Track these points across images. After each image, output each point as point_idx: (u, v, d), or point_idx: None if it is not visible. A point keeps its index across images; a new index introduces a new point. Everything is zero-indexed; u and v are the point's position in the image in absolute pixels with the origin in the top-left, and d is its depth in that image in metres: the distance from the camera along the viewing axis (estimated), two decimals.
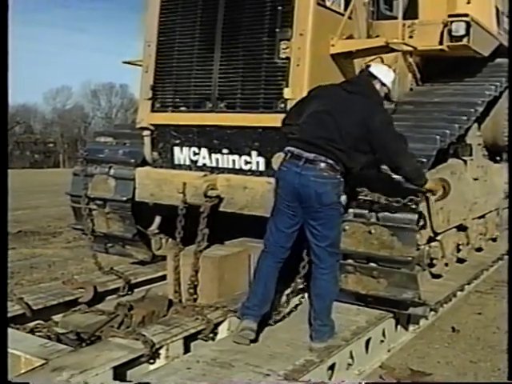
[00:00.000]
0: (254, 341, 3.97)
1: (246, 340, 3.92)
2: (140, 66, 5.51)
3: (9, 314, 4.42)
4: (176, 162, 5.22)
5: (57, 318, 4.68)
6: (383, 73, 4.20)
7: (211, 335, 4.24)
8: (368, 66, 4.30)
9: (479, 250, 6.36)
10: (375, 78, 4.15)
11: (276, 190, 4.02)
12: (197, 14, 5.02)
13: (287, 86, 4.62)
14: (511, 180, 5.79)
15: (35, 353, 3.70)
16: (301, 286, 5.10)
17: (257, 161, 4.86)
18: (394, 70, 4.33)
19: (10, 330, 4.13)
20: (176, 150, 5.21)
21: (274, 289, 4.19)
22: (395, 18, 5.92)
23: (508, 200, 5.63)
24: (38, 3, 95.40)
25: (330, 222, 3.91)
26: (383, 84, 4.17)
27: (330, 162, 3.81)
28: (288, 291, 4.95)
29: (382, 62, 5.51)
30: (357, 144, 3.86)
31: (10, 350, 3.73)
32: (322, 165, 3.81)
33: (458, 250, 5.68)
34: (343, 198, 4.03)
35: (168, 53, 5.20)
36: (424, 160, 4.37)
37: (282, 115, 4.54)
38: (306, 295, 5.09)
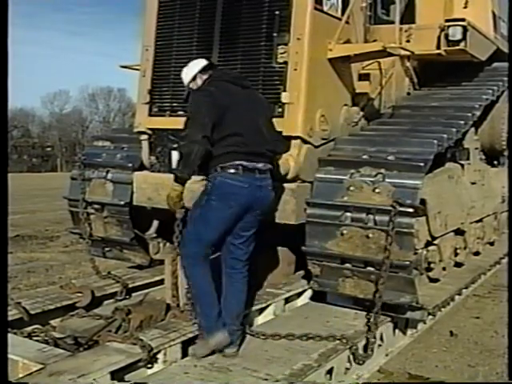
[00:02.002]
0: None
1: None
2: (138, 70, 5.52)
3: None
4: (174, 167, 5.20)
5: (54, 322, 4.66)
6: None
7: None
8: (211, 63, 4.20)
9: (477, 253, 6.37)
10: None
11: (217, 207, 3.75)
12: (194, 18, 5.03)
13: (285, 91, 4.63)
14: (511, 182, 5.80)
15: (33, 357, 3.69)
16: (300, 290, 5.12)
17: None
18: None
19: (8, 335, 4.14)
20: (174, 154, 5.19)
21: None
22: (392, 22, 5.93)
23: (508, 201, 5.64)
24: (37, 7, 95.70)
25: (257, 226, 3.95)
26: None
27: (269, 166, 3.88)
28: (284, 296, 4.97)
29: (379, 66, 5.55)
30: (272, 135, 3.97)
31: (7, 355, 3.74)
32: (270, 172, 3.88)
33: (456, 254, 5.69)
34: None
35: (166, 57, 5.20)
36: (421, 164, 4.38)
37: (280, 119, 4.56)
38: (308, 299, 5.13)
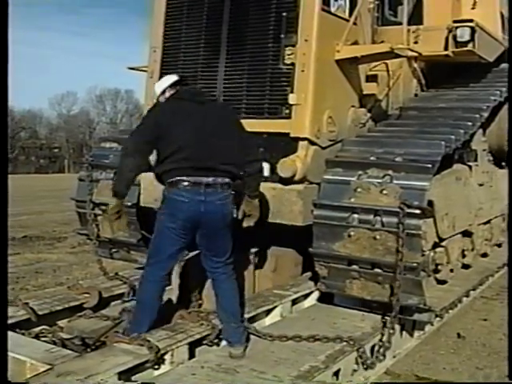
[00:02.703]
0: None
1: None
2: (145, 71, 5.53)
3: (14, 320, 4.44)
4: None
5: (62, 323, 4.67)
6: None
7: (216, 341, 4.21)
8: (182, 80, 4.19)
9: (484, 255, 6.34)
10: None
11: (167, 222, 3.83)
12: (202, 20, 5.04)
13: (292, 92, 4.64)
14: (511, 182, 5.77)
15: (40, 358, 3.70)
16: (307, 292, 5.12)
17: None
18: None
19: (15, 336, 4.15)
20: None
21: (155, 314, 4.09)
22: (400, 23, 5.94)
23: (508, 202, 5.61)
24: (45, 9, 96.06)
25: (228, 236, 3.90)
26: None
27: (226, 180, 3.80)
28: (291, 297, 4.96)
29: (387, 67, 5.54)
30: (237, 147, 3.87)
31: (15, 355, 3.75)
32: (221, 186, 3.78)
33: (464, 256, 5.67)
34: (234, 211, 3.95)
35: (173, 58, 5.22)
36: (429, 166, 4.37)
37: (288, 121, 4.56)
38: (315, 300, 5.13)
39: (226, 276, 3.96)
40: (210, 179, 3.75)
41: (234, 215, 3.93)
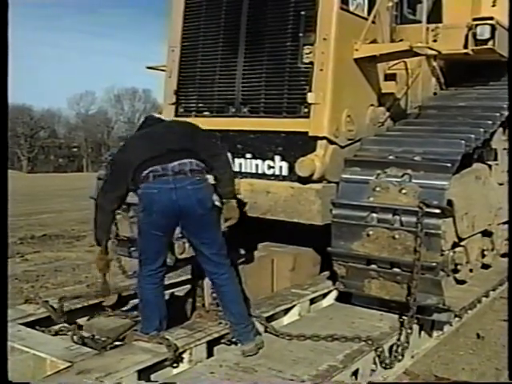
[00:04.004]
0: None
1: None
2: (163, 71, 5.56)
3: (34, 317, 4.48)
4: None
5: (81, 321, 4.70)
6: None
7: (234, 339, 4.23)
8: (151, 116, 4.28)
9: (504, 255, 6.28)
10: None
11: (145, 217, 3.83)
12: (220, 19, 5.05)
13: (310, 91, 4.63)
14: (511, 182, 5.71)
15: (60, 355, 3.74)
16: (325, 291, 5.11)
17: (280, 165, 4.87)
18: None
19: (35, 333, 4.20)
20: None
21: (164, 308, 4.09)
22: (419, 21, 5.92)
23: (508, 202, 5.55)
24: (63, 9, 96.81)
25: (214, 227, 3.84)
26: None
27: (194, 163, 3.76)
28: (310, 297, 4.96)
29: (406, 66, 5.50)
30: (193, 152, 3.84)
31: (35, 353, 3.80)
32: (190, 171, 3.73)
33: (483, 256, 5.62)
34: (216, 198, 3.86)
35: (192, 58, 5.23)
36: (448, 165, 4.34)
37: (306, 120, 4.55)
38: (333, 300, 5.12)
39: (225, 277, 3.91)
40: (176, 163, 3.72)
41: (216, 203, 3.83)
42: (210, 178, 3.88)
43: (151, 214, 3.76)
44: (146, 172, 3.73)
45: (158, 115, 4.32)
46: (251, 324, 4.01)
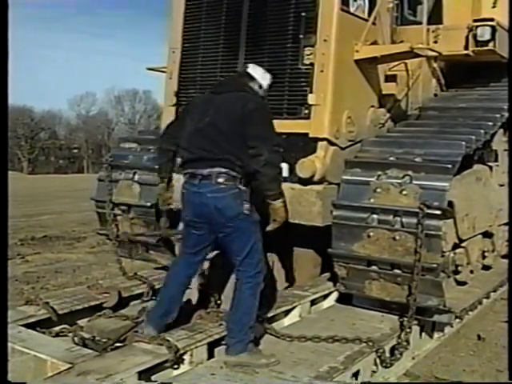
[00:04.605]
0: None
1: None
2: (164, 72, 5.56)
3: (35, 319, 4.48)
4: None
5: (82, 322, 4.70)
6: (261, 74, 4.01)
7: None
8: (246, 67, 4.09)
9: (505, 256, 6.28)
10: (253, 79, 3.96)
11: (182, 213, 3.96)
12: (221, 20, 5.05)
13: (311, 92, 4.63)
14: (511, 182, 5.72)
15: (61, 357, 3.74)
16: (326, 292, 5.11)
17: None
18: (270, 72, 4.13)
19: (36, 334, 4.20)
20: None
21: (179, 305, 4.12)
22: (419, 23, 5.92)
23: (508, 203, 5.56)
24: (63, 10, 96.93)
25: (243, 234, 3.75)
26: (260, 86, 3.99)
27: (224, 171, 3.66)
28: (310, 298, 4.96)
29: (406, 67, 5.50)
30: (241, 140, 3.66)
31: (36, 354, 3.80)
32: (217, 178, 3.67)
33: (484, 257, 5.62)
34: (246, 207, 3.70)
35: (192, 59, 5.23)
36: (449, 166, 4.34)
37: (307, 121, 4.55)
38: (334, 301, 5.12)
39: (246, 287, 3.81)
40: (206, 170, 3.70)
41: (245, 211, 3.69)
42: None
43: (185, 211, 3.92)
44: (183, 173, 3.87)
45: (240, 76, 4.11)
46: (243, 341, 3.77)
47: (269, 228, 3.86)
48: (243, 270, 3.81)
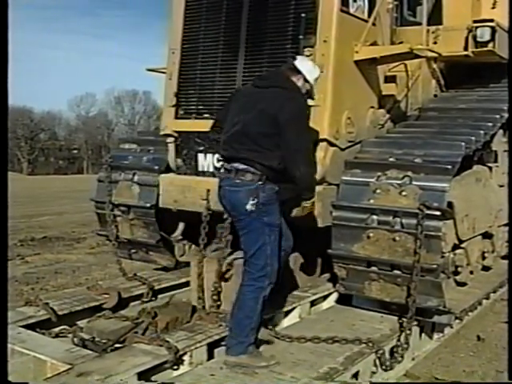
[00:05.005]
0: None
1: None
2: (164, 73, 5.55)
3: (34, 319, 4.49)
4: (200, 169, 5.24)
5: (81, 323, 4.71)
6: (308, 68, 3.92)
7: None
8: (294, 59, 4.02)
9: (505, 257, 6.28)
10: (299, 72, 3.89)
11: None
12: (221, 21, 5.05)
13: None
14: (511, 182, 5.72)
15: (61, 358, 3.74)
16: (325, 293, 5.11)
17: None
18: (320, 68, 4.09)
19: (36, 335, 4.20)
20: (200, 156, 5.23)
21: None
22: (419, 23, 5.93)
23: (508, 203, 5.56)
24: (64, 11, 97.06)
25: (252, 233, 3.72)
26: (306, 80, 3.92)
27: (242, 167, 3.66)
28: (310, 299, 4.96)
29: (406, 68, 5.49)
30: (269, 141, 3.63)
31: (36, 355, 3.80)
32: (236, 172, 3.70)
33: (484, 258, 5.62)
34: (251, 203, 3.64)
35: (192, 60, 5.23)
36: (449, 167, 4.34)
37: None
38: (333, 302, 5.12)
39: (248, 290, 3.76)
40: (229, 165, 3.76)
41: (255, 211, 3.64)
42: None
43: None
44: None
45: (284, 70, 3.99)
46: (243, 343, 3.73)
47: (292, 214, 4.01)
48: (248, 271, 3.81)
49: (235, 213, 3.78)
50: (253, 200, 3.64)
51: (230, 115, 3.87)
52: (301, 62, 3.95)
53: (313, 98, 4.18)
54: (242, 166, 3.68)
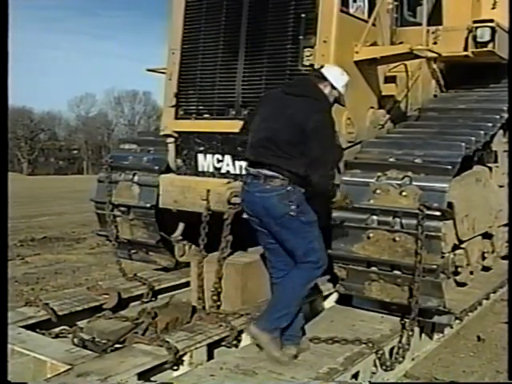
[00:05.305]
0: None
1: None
2: (164, 73, 5.55)
3: (35, 320, 4.49)
4: (200, 169, 5.24)
5: (81, 323, 4.70)
6: (335, 75, 3.95)
7: (235, 342, 4.23)
8: (321, 67, 4.07)
9: (505, 257, 6.28)
10: (325, 79, 3.92)
11: None
12: (221, 21, 5.05)
13: None
14: (511, 182, 5.72)
15: (61, 358, 3.74)
16: (325, 293, 5.10)
17: None
18: (348, 74, 4.07)
19: (36, 336, 4.20)
20: (200, 157, 5.23)
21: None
22: (419, 24, 5.91)
23: (508, 204, 5.56)
24: (65, 11, 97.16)
25: (295, 235, 3.76)
26: (333, 87, 3.94)
27: (270, 173, 3.69)
28: (311, 299, 4.95)
29: (406, 68, 5.50)
30: (295, 149, 3.67)
31: (36, 355, 3.80)
32: (264, 178, 3.71)
33: (484, 258, 5.62)
34: (293, 208, 3.70)
35: (192, 60, 5.23)
36: (449, 167, 4.34)
37: None
38: (333, 302, 5.11)
39: (291, 275, 3.87)
40: (256, 170, 3.77)
41: (291, 212, 3.69)
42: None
43: (243, 207, 4.01)
44: (247, 169, 3.93)
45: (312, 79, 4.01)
46: (272, 322, 3.80)
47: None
48: (301, 268, 3.83)
49: (270, 218, 3.76)
50: (287, 203, 3.70)
51: (259, 119, 3.89)
52: (327, 70, 3.99)
53: (343, 105, 4.17)
54: (270, 173, 3.71)
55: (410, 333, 4.32)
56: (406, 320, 4.40)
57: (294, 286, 3.83)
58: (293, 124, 3.68)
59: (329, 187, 3.86)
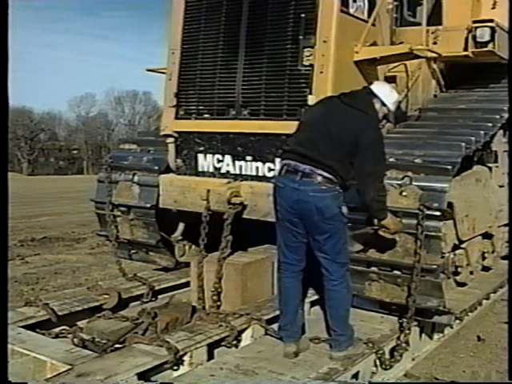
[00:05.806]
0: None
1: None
2: (164, 73, 5.55)
3: (34, 320, 4.49)
4: (200, 169, 5.24)
5: (81, 323, 4.70)
6: (385, 92, 4.06)
7: (235, 342, 4.23)
8: (371, 84, 4.20)
9: (505, 257, 6.28)
10: (376, 96, 4.02)
11: (275, 208, 3.95)
12: (220, 21, 5.05)
13: (311, 94, 4.61)
14: (511, 182, 5.71)
15: (61, 358, 3.74)
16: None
17: None
18: (399, 92, 4.15)
19: (36, 336, 4.20)
20: (200, 157, 5.24)
21: (302, 301, 4.21)
22: (419, 24, 5.91)
23: (508, 204, 5.56)
24: (65, 12, 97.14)
25: (335, 234, 3.82)
26: (383, 104, 4.05)
27: (326, 174, 3.72)
28: (310, 299, 4.96)
29: (406, 68, 5.50)
30: (348, 156, 3.76)
31: (36, 355, 3.80)
32: (320, 178, 3.72)
33: (484, 258, 5.61)
34: (345, 209, 3.83)
35: (192, 60, 5.23)
36: (449, 167, 4.34)
37: None
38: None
39: (335, 283, 3.90)
40: (308, 168, 3.74)
41: (341, 214, 3.80)
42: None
43: (278, 205, 3.91)
44: (282, 164, 3.90)
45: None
46: (346, 335, 3.97)
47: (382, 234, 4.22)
48: (333, 270, 3.88)
49: (319, 217, 3.75)
50: (338, 204, 3.79)
51: (316, 118, 3.93)
52: (377, 87, 4.09)
53: (391, 122, 4.19)
54: (327, 174, 3.73)
55: (408, 331, 4.32)
56: (405, 319, 4.40)
57: (345, 298, 4.00)
58: (351, 134, 3.76)
59: (384, 207, 3.95)
